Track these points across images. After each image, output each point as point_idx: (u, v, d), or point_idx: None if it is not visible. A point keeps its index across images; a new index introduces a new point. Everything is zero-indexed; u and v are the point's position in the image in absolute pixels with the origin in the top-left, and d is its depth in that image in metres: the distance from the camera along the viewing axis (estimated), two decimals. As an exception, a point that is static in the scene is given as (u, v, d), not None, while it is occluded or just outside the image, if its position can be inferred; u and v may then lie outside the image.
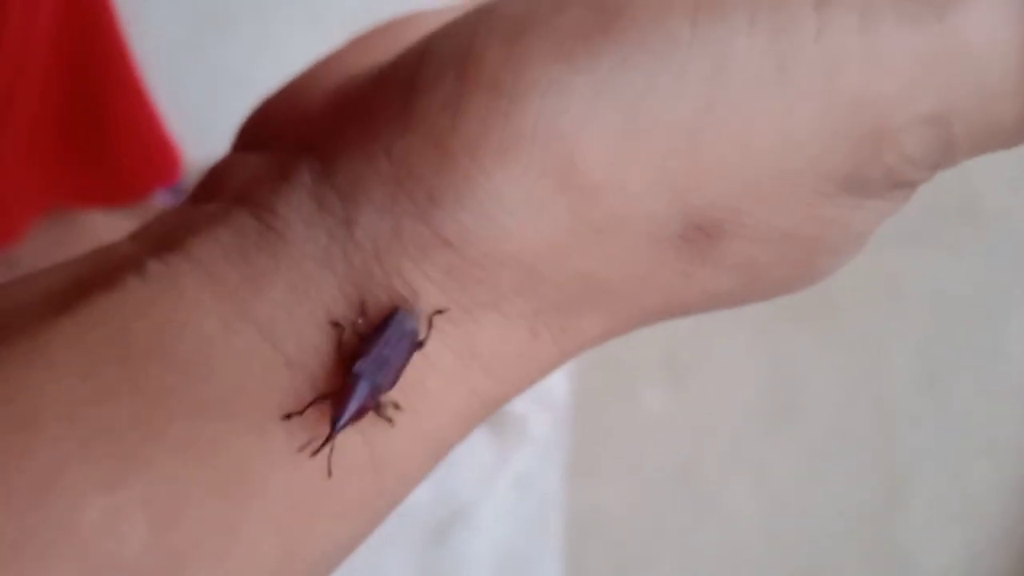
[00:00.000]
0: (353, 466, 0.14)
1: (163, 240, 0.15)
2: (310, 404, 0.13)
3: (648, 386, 0.79)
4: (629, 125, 0.14)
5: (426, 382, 0.15)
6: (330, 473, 0.14)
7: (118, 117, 0.44)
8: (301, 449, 0.13)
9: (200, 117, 0.59)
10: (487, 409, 0.15)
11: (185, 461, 0.13)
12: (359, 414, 0.14)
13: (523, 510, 0.72)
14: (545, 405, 0.58)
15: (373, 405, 0.14)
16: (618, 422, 0.79)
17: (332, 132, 0.15)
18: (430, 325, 0.14)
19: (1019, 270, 0.84)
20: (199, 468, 0.13)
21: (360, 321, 0.14)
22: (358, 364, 0.14)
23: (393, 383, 0.14)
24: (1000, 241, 0.84)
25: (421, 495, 0.29)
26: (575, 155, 0.14)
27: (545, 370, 0.16)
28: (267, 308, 0.14)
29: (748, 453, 0.80)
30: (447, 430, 0.15)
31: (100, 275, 0.14)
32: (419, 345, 0.14)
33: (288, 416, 0.13)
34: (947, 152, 0.14)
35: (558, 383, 0.56)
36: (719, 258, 0.15)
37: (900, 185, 0.15)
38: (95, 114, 0.43)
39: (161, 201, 0.50)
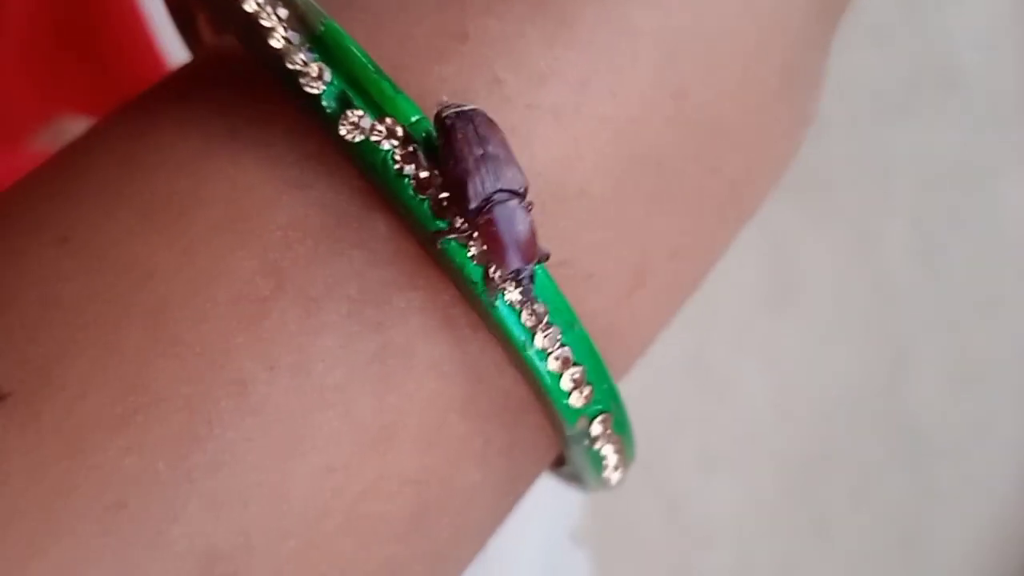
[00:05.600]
0: None
1: None
2: None
3: (648, 278, 0.80)
4: None
5: None
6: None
7: (115, 16, 0.45)
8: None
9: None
10: None
11: None
12: (522, 236, 0.11)
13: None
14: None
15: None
16: (623, 316, 0.80)
17: None
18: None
19: (1004, 131, 0.85)
20: None
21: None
22: (471, 191, 0.10)
23: (522, 175, 0.11)
24: (982, 105, 0.85)
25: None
26: None
27: None
28: None
29: (752, 335, 0.82)
30: None
31: None
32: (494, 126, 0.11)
33: None
34: None
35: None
36: None
37: None
38: (91, 14, 0.44)
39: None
